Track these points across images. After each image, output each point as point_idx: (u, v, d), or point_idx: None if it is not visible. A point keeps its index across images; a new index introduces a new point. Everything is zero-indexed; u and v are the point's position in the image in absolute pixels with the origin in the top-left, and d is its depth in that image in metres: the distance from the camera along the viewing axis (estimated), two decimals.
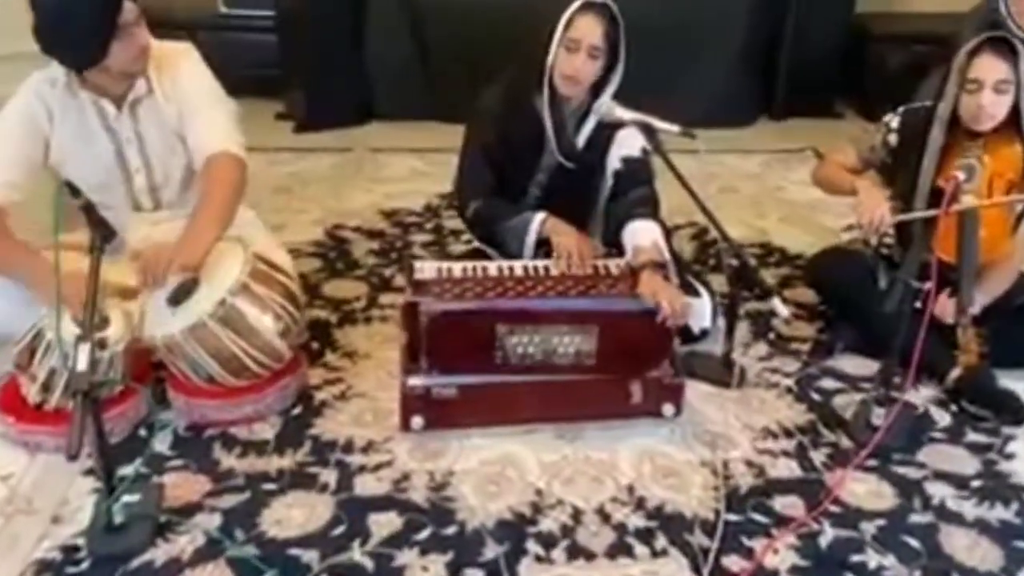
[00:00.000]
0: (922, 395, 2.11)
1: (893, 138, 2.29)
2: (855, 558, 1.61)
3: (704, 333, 2.23)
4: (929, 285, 1.80)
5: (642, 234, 2.02)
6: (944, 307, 2.15)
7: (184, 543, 1.59)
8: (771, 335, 2.34)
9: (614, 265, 2.05)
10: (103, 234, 1.61)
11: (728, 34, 4.10)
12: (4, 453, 1.80)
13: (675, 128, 1.98)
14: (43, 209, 1.61)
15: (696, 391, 2.08)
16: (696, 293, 2.24)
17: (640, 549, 1.61)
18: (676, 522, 1.68)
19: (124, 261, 2.02)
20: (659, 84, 4.07)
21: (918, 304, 1.79)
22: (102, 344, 1.49)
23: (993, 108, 2.04)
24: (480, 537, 1.62)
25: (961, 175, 1.89)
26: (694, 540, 1.64)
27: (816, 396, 2.09)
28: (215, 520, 1.64)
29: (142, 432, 1.89)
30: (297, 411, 1.97)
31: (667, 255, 2.03)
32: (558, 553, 1.60)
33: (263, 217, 3.00)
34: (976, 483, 1.82)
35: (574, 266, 1.97)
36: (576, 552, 1.60)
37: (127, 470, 1.75)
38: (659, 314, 1.82)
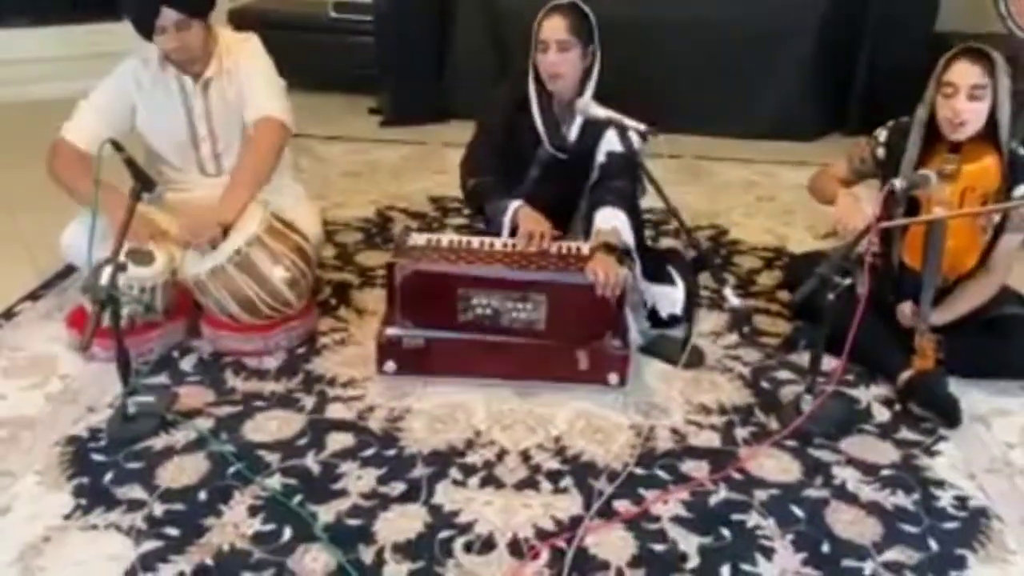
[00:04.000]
0: (871, 392, 2.21)
1: (881, 151, 2.38)
2: (736, 517, 1.78)
3: (674, 319, 2.40)
4: (849, 281, 1.92)
5: (604, 219, 2.24)
6: (903, 311, 2.26)
7: (180, 437, 1.97)
8: (746, 328, 2.49)
9: (587, 248, 2.28)
10: (143, 184, 2.02)
11: (797, 49, 4.21)
12: (69, 359, 2.25)
13: (641, 126, 2.18)
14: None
15: (652, 368, 2.29)
16: (672, 282, 2.43)
17: (545, 485, 1.85)
18: (586, 469, 1.90)
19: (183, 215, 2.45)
20: (726, 94, 4.25)
21: (831, 296, 1.91)
22: (123, 267, 1.89)
23: (967, 114, 2.11)
24: (413, 460, 1.91)
25: (899, 183, 2.01)
26: (597, 484, 1.85)
27: (766, 384, 2.24)
28: (208, 423, 2.02)
29: (175, 354, 2.30)
30: (301, 350, 2.33)
31: (628, 240, 2.24)
32: (474, 480, 1.86)
33: (331, 196, 3.44)
34: (887, 472, 1.92)
35: (532, 245, 2.21)
36: (489, 481, 1.86)
37: (154, 380, 2.19)
38: (595, 286, 2.04)
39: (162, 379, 2.20)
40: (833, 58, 4.26)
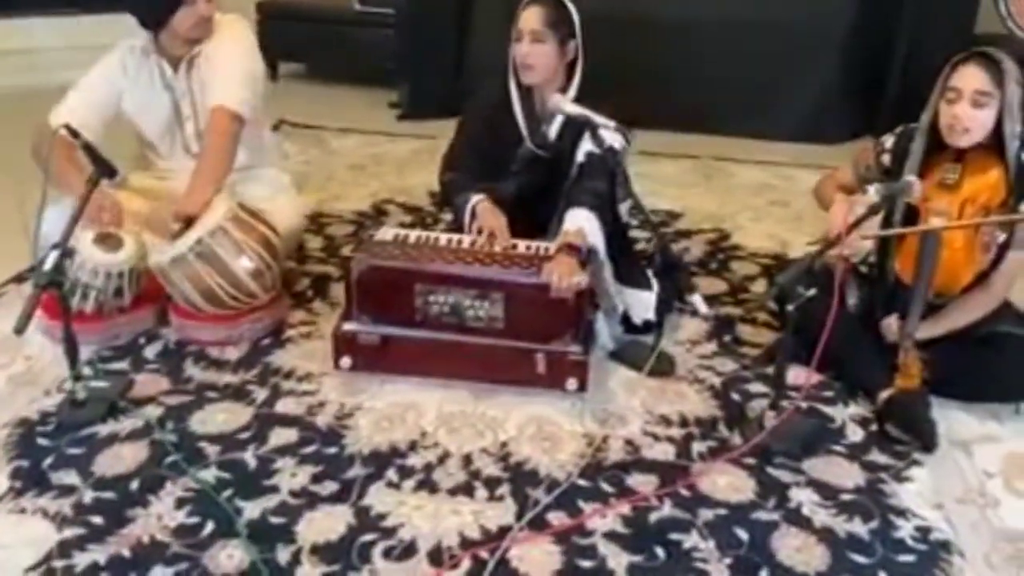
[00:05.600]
0: (848, 411, 2.09)
1: (886, 158, 2.27)
2: (674, 536, 1.68)
3: (647, 325, 2.31)
4: (812, 292, 1.82)
5: (572, 220, 2.16)
6: (889, 326, 2.13)
7: (127, 424, 1.97)
8: (727, 337, 2.38)
9: (553, 248, 2.20)
10: (102, 170, 2.02)
11: (829, 49, 4.06)
12: (37, 341, 2.26)
13: (611, 123, 2.10)
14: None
15: (618, 376, 2.20)
16: (648, 286, 2.33)
17: (481, 492, 1.79)
18: (526, 477, 1.83)
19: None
20: (756, 95, 4.11)
21: (791, 307, 1.80)
22: (69, 253, 1.89)
23: (969, 121, 1.99)
24: (351, 460, 1.87)
25: (874, 189, 1.89)
26: (534, 494, 1.78)
27: (736, 396, 2.13)
28: (157, 412, 2.01)
29: (142, 340, 2.31)
30: (266, 342, 2.31)
31: (594, 241, 2.15)
32: (409, 483, 1.81)
33: (331, 188, 3.44)
34: (848, 497, 1.80)
35: (491, 242, 2.16)
36: (424, 485, 1.80)
37: (114, 366, 2.20)
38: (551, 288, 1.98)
39: (123, 365, 2.20)
40: (866, 59, 4.09)
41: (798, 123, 4.14)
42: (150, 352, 2.27)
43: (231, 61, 2.40)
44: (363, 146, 3.99)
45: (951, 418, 2.04)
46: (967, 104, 1.98)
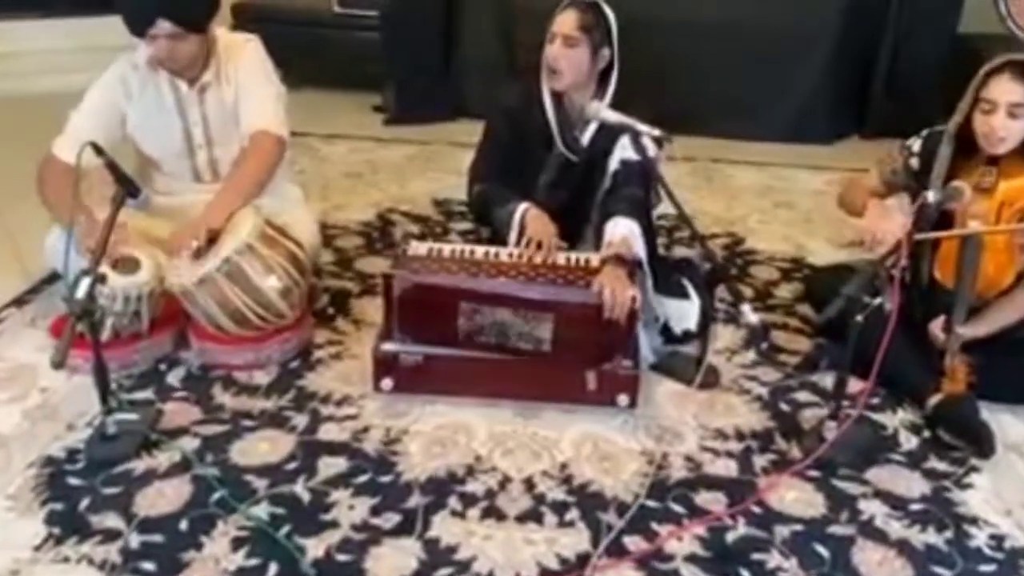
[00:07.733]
0: (898, 418, 2.08)
1: (915, 161, 2.27)
2: (756, 556, 1.65)
3: (687, 335, 2.27)
4: (879, 300, 1.80)
5: (615, 229, 2.11)
6: (935, 330, 2.13)
7: (163, 459, 1.85)
8: (764, 345, 2.36)
9: (596, 259, 2.15)
10: (126, 189, 1.90)
11: (817, 50, 4.06)
12: (50, 371, 2.10)
13: (655, 131, 2.05)
14: None
15: (664, 389, 2.16)
16: (686, 295, 2.30)
17: (550, 518, 1.73)
18: (594, 500, 1.78)
19: (175, 221, 2.34)
20: (744, 96, 4.11)
21: (860, 317, 1.79)
22: (102, 279, 1.77)
23: (1005, 131, 2.01)
24: (410, 488, 1.79)
25: (932, 195, 1.88)
26: (605, 518, 1.73)
27: (785, 407, 2.11)
28: (194, 444, 1.90)
29: (162, 366, 2.19)
30: (295, 364, 2.21)
31: (639, 252, 2.11)
32: (474, 511, 1.74)
33: (331, 198, 3.33)
34: (917, 506, 1.79)
35: (536, 254, 2.11)
36: (490, 512, 1.73)
37: (139, 395, 2.08)
38: (604, 306, 1.92)
39: (147, 394, 2.08)
40: (853, 60, 4.12)
41: (786, 124, 4.15)
42: (173, 379, 2.14)
43: (260, 85, 2.31)
44: (354, 153, 3.87)
45: (1000, 421, 2.05)
46: (1003, 115, 2.01)
